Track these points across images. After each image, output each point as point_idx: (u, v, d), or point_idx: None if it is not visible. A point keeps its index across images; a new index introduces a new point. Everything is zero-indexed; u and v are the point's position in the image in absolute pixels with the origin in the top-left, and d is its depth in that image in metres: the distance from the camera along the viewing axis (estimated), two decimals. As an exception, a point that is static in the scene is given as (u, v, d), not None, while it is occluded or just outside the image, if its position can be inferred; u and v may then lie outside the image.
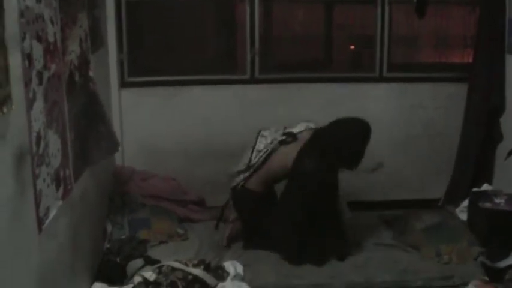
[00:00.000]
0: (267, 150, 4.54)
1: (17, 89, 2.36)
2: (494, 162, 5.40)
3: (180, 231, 4.77)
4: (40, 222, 2.66)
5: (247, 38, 5.50)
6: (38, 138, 2.64)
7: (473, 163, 5.44)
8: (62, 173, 3.04)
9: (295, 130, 4.63)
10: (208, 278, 3.86)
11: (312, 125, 4.64)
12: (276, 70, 5.67)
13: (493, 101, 5.28)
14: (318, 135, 4.49)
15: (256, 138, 4.63)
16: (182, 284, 3.73)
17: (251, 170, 4.55)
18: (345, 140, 4.37)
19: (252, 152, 4.57)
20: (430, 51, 6.00)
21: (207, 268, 3.97)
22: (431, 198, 5.56)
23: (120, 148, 4.28)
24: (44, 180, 2.73)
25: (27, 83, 2.49)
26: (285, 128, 4.67)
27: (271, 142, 4.56)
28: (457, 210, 5.15)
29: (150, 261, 4.19)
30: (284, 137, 4.58)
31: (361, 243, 4.69)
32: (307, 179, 4.31)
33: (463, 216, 4.98)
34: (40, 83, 2.68)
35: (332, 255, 4.45)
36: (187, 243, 4.65)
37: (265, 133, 4.65)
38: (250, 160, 4.55)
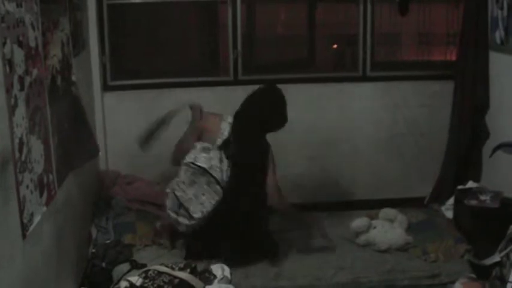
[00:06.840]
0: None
1: (-2, 95, 2.34)
2: (482, 160, 5.41)
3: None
4: (24, 228, 2.64)
5: (230, 39, 5.48)
6: (21, 144, 2.61)
7: (460, 161, 5.44)
8: (45, 179, 3.02)
9: None
10: (195, 282, 3.84)
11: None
12: (260, 71, 5.64)
13: (479, 99, 5.29)
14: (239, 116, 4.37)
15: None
16: (169, 288, 3.71)
17: None
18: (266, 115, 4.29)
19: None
20: (414, 49, 6.01)
21: (194, 271, 3.95)
22: (416, 197, 5.57)
23: (103, 152, 4.24)
24: (28, 186, 2.70)
25: (8, 89, 2.46)
26: None
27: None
28: (443, 208, 5.16)
29: (136, 266, 4.18)
30: None
31: (346, 243, 4.69)
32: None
33: (449, 214, 4.98)
34: (22, 88, 2.66)
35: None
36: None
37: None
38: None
